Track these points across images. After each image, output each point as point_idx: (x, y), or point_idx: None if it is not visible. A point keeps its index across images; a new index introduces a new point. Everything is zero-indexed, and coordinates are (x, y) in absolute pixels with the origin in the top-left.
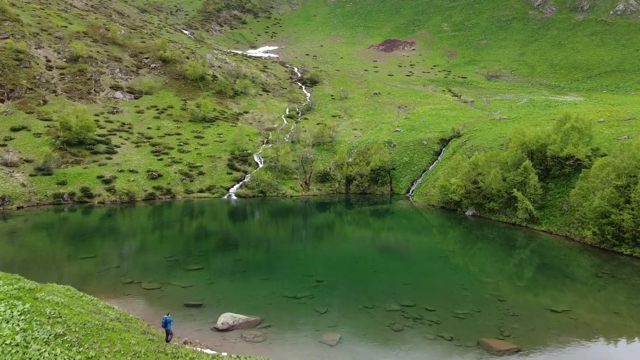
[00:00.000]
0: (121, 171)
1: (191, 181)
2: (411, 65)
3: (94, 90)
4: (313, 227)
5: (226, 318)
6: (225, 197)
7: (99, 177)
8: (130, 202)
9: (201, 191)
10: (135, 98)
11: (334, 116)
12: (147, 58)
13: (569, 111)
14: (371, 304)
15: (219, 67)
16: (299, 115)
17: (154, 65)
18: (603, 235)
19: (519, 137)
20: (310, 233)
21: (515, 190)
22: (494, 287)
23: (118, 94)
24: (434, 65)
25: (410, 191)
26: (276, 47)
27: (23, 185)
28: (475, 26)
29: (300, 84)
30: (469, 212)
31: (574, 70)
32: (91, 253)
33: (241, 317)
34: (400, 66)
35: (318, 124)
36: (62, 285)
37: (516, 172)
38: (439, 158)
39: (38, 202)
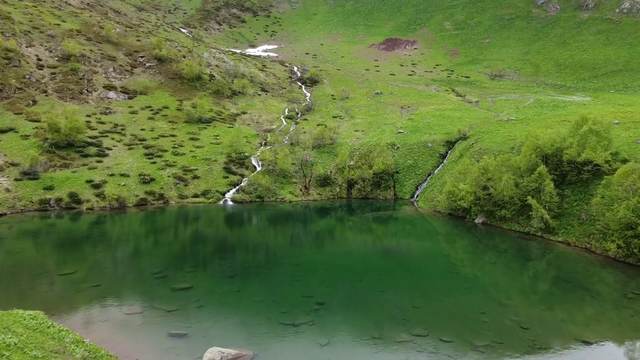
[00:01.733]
0: (112, 175)
1: (185, 185)
2: (413, 64)
3: (87, 90)
4: (313, 237)
5: (213, 354)
6: (221, 202)
7: (88, 181)
8: (121, 208)
9: (196, 196)
10: (129, 98)
11: (334, 117)
12: (142, 57)
13: (584, 113)
14: (378, 332)
15: (217, 66)
16: (299, 115)
17: (149, 64)
18: (629, 248)
19: (532, 140)
20: (311, 243)
21: (529, 197)
22: (514, 311)
23: (111, 94)
24: (437, 65)
25: (415, 196)
26: (275, 46)
27: (7, 190)
28: (477, 25)
29: (299, 84)
30: (478, 220)
31: (580, 69)
32: (71, 268)
33: (230, 353)
34: (402, 65)
35: (318, 125)
36: (29, 312)
37: (530, 178)
38: (445, 161)
39: (23, 208)
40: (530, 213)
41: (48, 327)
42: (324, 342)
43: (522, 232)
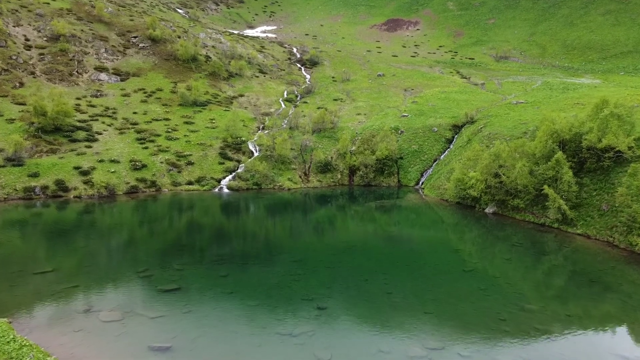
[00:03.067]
0: (101, 161)
1: (179, 172)
2: (416, 45)
3: (77, 71)
4: (313, 228)
5: None
6: (216, 189)
7: (76, 168)
8: (110, 196)
9: (190, 183)
10: (122, 80)
11: (335, 100)
12: (135, 37)
13: (604, 95)
14: (388, 346)
15: (213, 47)
16: (298, 98)
17: (143, 45)
18: None
19: (548, 125)
20: (310, 237)
21: (546, 187)
22: (539, 318)
23: (103, 76)
24: (440, 46)
25: (420, 183)
26: (274, 27)
27: None
28: (482, 5)
29: (299, 66)
30: (489, 210)
31: (588, 51)
32: (48, 265)
33: None
34: (404, 46)
35: (318, 108)
36: None
37: (546, 165)
38: (451, 146)
39: (6, 196)
40: (546, 203)
41: (8, 342)
42: (326, 358)
43: (536, 224)
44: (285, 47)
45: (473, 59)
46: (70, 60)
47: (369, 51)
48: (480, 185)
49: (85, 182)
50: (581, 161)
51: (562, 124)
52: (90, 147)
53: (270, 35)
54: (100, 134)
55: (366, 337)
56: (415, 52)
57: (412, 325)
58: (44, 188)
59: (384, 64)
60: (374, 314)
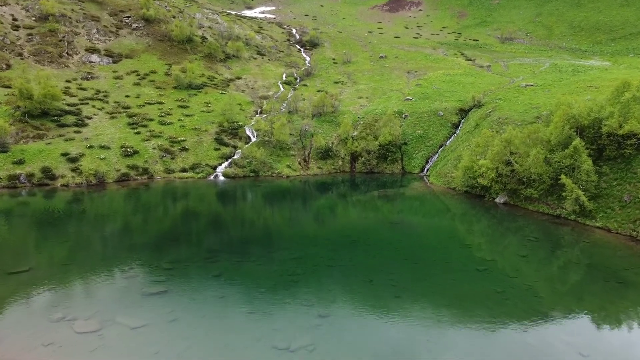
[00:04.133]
0: (90, 147)
1: (172, 159)
2: (418, 26)
3: (67, 53)
4: (313, 220)
5: None
6: (212, 177)
7: (64, 154)
8: (100, 185)
9: (184, 170)
10: (114, 62)
11: (336, 82)
12: (128, 17)
13: (625, 77)
14: None
15: (210, 27)
16: (297, 81)
17: (136, 25)
18: None
19: (564, 109)
20: (310, 230)
21: (563, 176)
22: (569, 329)
23: (94, 58)
24: (443, 27)
25: (425, 170)
26: (273, 8)
27: None
28: None
29: (298, 47)
30: (499, 200)
31: (596, 32)
32: (25, 264)
33: None
34: (406, 27)
35: (319, 91)
36: None
37: (563, 153)
38: (458, 131)
39: None
40: (562, 193)
41: None
42: None
43: (551, 215)
44: (284, 28)
45: (477, 40)
46: (60, 41)
47: (370, 32)
48: (490, 173)
49: (73, 170)
50: (600, 148)
51: (579, 108)
52: (79, 132)
53: (268, 15)
54: (90, 118)
55: (374, 353)
56: (418, 34)
57: (424, 337)
58: (30, 176)
59: (386, 45)
60: (380, 324)
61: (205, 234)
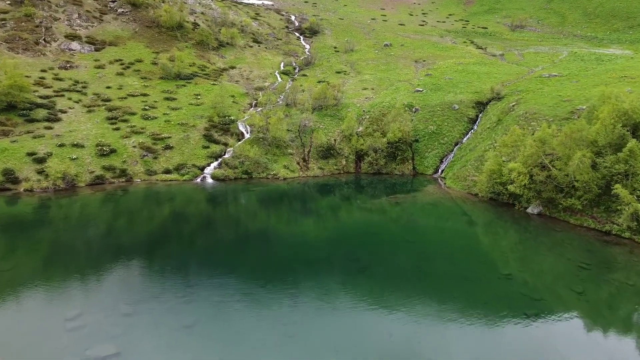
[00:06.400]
0: (61, 145)
1: (155, 158)
2: (423, 14)
3: (44, 40)
4: (314, 239)
5: None
6: (199, 179)
7: (30, 154)
8: (70, 189)
9: (167, 172)
10: (96, 50)
11: (338, 72)
12: (113, 1)
13: None
14: None
15: (202, 13)
16: (296, 71)
17: (122, 10)
18: None
19: (613, 104)
20: (311, 252)
21: (618, 186)
22: None
23: (74, 45)
24: (450, 14)
25: (440, 171)
26: None
27: None
28: None
29: (297, 35)
30: (532, 210)
31: (612, 19)
32: None
33: None
34: (411, 15)
35: (319, 82)
36: None
37: (615, 157)
38: (475, 127)
39: None
40: (612, 205)
41: None
42: None
43: (598, 231)
44: (282, 15)
45: (486, 28)
46: (37, 27)
47: (373, 19)
48: (523, 179)
49: (39, 172)
50: None
51: (632, 102)
52: (50, 128)
53: (266, 2)
54: (65, 112)
55: None
56: (424, 21)
57: None
58: None
59: (390, 33)
60: None
61: (182, 261)
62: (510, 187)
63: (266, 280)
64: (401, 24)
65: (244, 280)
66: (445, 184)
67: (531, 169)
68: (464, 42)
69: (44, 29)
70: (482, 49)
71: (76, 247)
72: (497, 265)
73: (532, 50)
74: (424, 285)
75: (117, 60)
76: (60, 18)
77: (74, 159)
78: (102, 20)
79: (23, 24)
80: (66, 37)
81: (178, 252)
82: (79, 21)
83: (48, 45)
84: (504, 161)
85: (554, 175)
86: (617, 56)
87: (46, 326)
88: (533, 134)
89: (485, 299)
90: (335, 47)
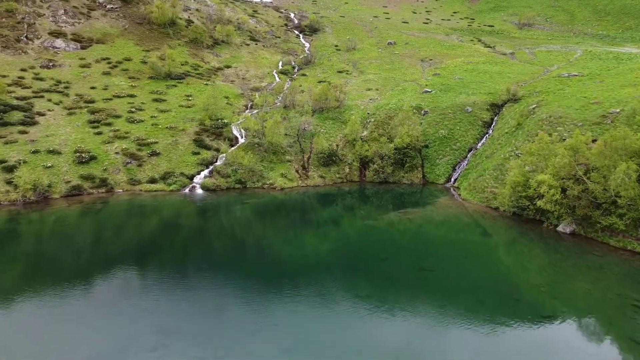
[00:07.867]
0: (35, 152)
1: (139, 166)
2: (427, 11)
3: (26, 37)
4: (314, 264)
5: None
6: (187, 190)
7: (0, 162)
8: (42, 201)
9: (152, 181)
10: (82, 48)
11: (340, 72)
12: None
13: None
14: None
15: (197, 10)
16: (296, 70)
17: (112, 6)
18: None
19: None
20: (311, 282)
21: None
22: None
23: (59, 43)
24: (454, 12)
25: (453, 180)
26: None
27: None
28: None
29: (297, 33)
30: (564, 228)
31: (624, 16)
32: None
33: None
34: (414, 12)
35: (320, 82)
36: None
37: None
38: (491, 131)
39: None
40: None
41: None
42: None
43: None
44: (281, 12)
45: (493, 26)
46: (19, 23)
47: (375, 17)
48: (554, 193)
49: (8, 182)
50: None
51: None
52: (25, 132)
53: None
54: (43, 115)
55: None
56: (428, 19)
57: None
58: None
59: (393, 31)
60: None
61: (160, 295)
62: (540, 203)
63: (249, 323)
64: (405, 22)
65: (224, 327)
66: (459, 195)
67: (564, 182)
68: (471, 40)
69: (26, 26)
70: (490, 47)
71: (38, 277)
72: (545, 316)
73: (544, 49)
74: (450, 341)
75: (104, 59)
76: (44, 14)
77: (49, 167)
78: (89, 16)
79: (4, 19)
80: (50, 34)
81: (153, 286)
82: (64, 17)
83: (30, 42)
84: (528, 171)
85: (590, 190)
86: (635, 55)
87: None
88: (562, 141)
89: (519, 347)
90: (336, 46)
